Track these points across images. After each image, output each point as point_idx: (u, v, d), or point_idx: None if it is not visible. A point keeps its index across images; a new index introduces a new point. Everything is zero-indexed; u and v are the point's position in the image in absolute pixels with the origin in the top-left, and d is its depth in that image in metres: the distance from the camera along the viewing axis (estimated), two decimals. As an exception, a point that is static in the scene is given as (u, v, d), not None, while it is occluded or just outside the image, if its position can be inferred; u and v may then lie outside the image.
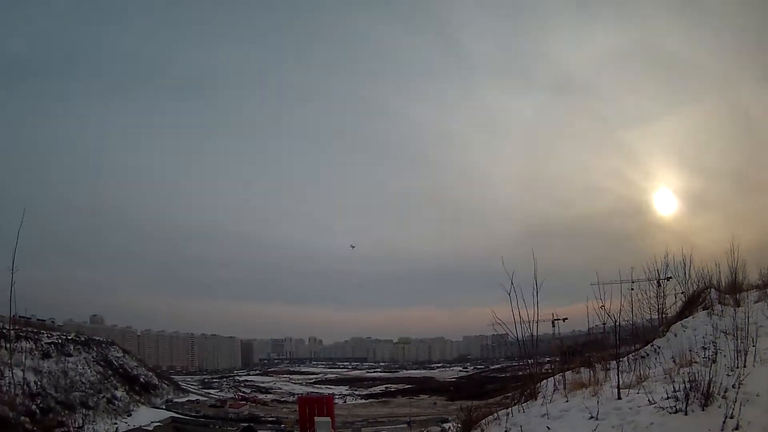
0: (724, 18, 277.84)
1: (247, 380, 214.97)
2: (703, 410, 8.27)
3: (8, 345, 68.97)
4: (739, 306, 15.18)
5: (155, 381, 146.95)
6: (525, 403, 12.88)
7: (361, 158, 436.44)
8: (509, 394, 16.22)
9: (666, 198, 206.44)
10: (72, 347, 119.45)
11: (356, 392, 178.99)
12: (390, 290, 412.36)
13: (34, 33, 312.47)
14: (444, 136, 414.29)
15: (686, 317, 16.25)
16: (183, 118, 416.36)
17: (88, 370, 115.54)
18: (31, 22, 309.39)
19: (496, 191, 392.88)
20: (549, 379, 14.26)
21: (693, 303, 17.45)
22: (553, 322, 45.18)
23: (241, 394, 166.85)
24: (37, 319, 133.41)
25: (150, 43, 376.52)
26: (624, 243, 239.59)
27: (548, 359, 17.49)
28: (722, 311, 15.18)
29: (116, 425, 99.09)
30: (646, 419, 8.55)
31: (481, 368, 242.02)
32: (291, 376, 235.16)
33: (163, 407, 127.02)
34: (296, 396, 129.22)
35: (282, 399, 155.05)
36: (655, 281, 17.97)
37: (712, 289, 17.39)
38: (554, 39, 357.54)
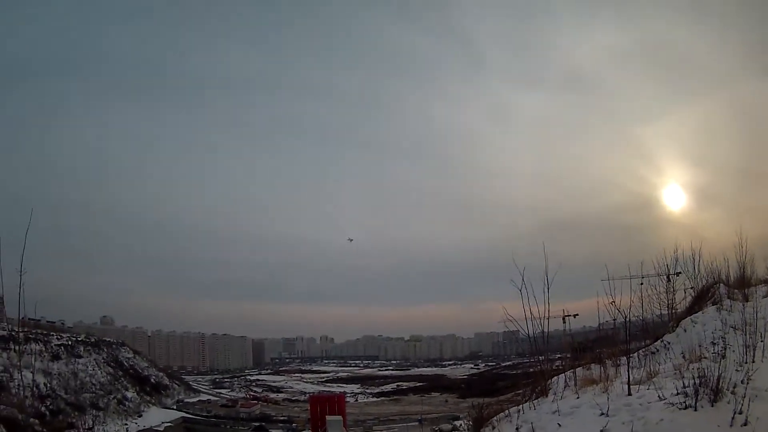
0: (726, 17, 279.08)
1: (258, 380, 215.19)
2: (712, 406, 8.30)
3: (17, 347, 69.22)
4: (747, 301, 15.13)
5: (166, 381, 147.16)
6: (536, 400, 12.95)
7: (372, 156, 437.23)
8: (520, 391, 16.20)
9: (674, 192, 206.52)
10: (82, 349, 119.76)
11: (368, 390, 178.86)
12: (401, 288, 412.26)
13: (34, 33, 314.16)
14: (455, 133, 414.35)
15: (695, 312, 16.24)
16: (193, 119, 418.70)
17: (99, 371, 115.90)
18: (31, 22, 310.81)
19: (508, 186, 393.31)
20: (560, 375, 14.30)
21: (702, 298, 17.43)
22: (563, 319, 45.08)
23: (252, 393, 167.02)
24: (47, 321, 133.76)
25: (161, 43, 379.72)
26: (634, 237, 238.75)
27: (559, 356, 17.54)
28: (731, 306, 15.14)
29: (126, 426, 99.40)
30: (656, 415, 8.58)
31: (492, 365, 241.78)
32: (302, 375, 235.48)
33: (174, 407, 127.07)
34: (308, 395, 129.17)
35: (293, 398, 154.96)
36: (665, 276, 17.98)
37: (721, 284, 17.37)
38: (563, 37, 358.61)
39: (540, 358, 15.24)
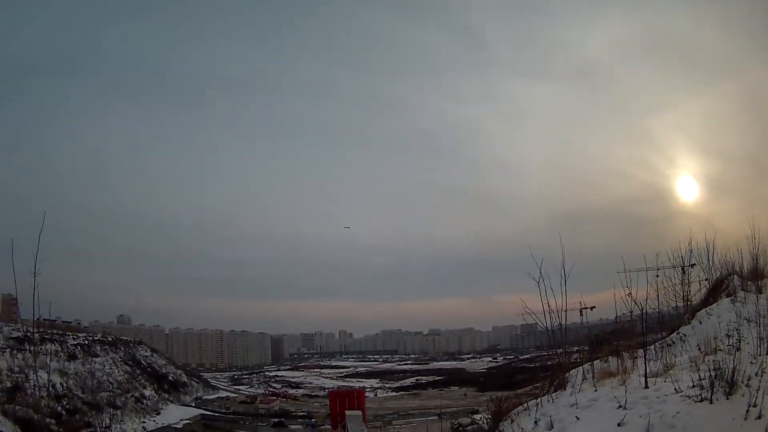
0: (732, 6, 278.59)
1: (277, 375, 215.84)
2: (727, 399, 8.37)
3: (32, 348, 69.91)
4: (761, 293, 15.16)
5: (184, 379, 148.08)
6: (554, 393, 12.99)
7: (386, 152, 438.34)
8: (539, 385, 16.29)
9: (686, 183, 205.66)
10: (99, 348, 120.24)
11: (387, 385, 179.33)
12: (419, 282, 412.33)
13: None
14: (467, 128, 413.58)
15: (710, 304, 16.20)
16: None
17: (116, 370, 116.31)
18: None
19: (522, 179, 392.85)
20: (578, 368, 14.35)
21: (717, 290, 17.37)
22: (581, 311, 45.05)
23: (271, 389, 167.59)
24: (63, 322, 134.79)
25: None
26: (647, 228, 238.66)
27: (576, 349, 17.63)
28: (745, 298, 15.17)
29: (144, 424, 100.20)
30: (673, 408, 8.64)
31: (510, 358, 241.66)
32: (321, 371, 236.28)
33: (193, 405, 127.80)
34: (327, 390, 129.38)
35: (313, 393, 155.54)
36: (680, 268, 18.00)
37: (735, 276, 17.36)
38: (571, 30, 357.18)
39: (558, 351, 15.33)
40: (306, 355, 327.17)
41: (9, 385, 74.96)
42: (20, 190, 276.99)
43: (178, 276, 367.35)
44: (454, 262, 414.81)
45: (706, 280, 18.40)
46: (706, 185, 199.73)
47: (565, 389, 12.96)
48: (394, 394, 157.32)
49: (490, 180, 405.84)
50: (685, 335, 15.16)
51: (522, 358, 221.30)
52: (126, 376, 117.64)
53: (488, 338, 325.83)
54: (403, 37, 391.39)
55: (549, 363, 16.37)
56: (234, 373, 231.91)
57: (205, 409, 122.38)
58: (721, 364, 8.75)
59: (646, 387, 10.28)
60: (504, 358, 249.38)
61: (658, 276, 17.69)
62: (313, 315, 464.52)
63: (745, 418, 7.81)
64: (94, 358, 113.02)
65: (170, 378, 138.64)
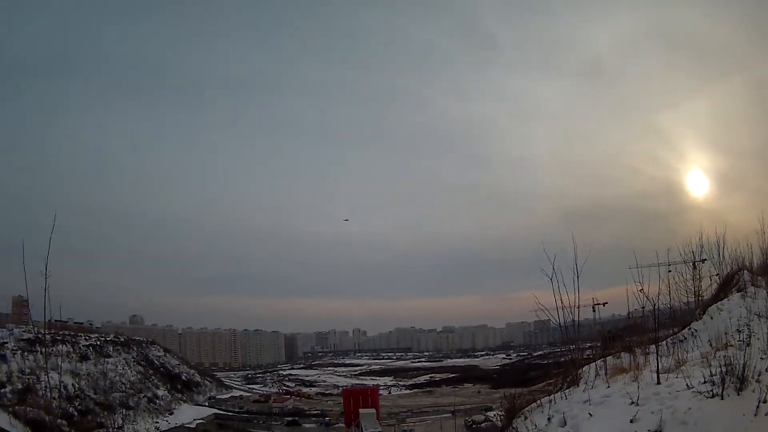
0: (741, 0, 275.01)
1: (291, 374, 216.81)
2: (738, 394, 8.40)
3: (43, 349, 70.28)
4: (771, 288, 15.18)
5: (197, 378, 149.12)
6: (567, 390, 13.01)
7: (396, 150, 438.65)
8: (552, 381, 16.33)
9: (696, 178, 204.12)
10: (111, 348, 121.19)
11: (400, 383, 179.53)
12: (431, 280, 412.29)
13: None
14: (476, 125, 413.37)
15: (721, 300, 16.18)
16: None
17: (129, 371, 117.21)
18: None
19: (532, 175, 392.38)
20: (590, 364, 14.38)
21: (727, 285, 17.29)
22: (593, 307, 44.93)
23: (285, 388, 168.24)
24: (75, 323, 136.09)
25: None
26: (658, 223, 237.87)
27: (589, 345, 17.65)
28: (755, 293, 15.16)
29: (157, 424, 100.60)
30: (684, 404, 8.68)
31: (524, 355, 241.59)
32: (335, 369, 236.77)
33: (206, 404, 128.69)
34: (341, 388, 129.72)
35: (326, 392, 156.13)
36: (691, 263, 17.98)
37: (745, 271, 17.31)
38: (579, 25, 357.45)
39: (571, 347, 15.34)
40: (320, 354, 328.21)
41: (20, 386, 75.92)
42: (20, 190, 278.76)
43: (192, 276, 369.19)
44: (467, 259, 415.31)
45: (716, 275, 18.38)
46: (716, 180, 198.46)
47: (578, 386, 12.99)
48: (407, 391, 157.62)
49: (501, 177, 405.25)
50: (696, 331, 15.15)
51: (535, 354, 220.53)
52: (139, 376, 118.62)
53: (501, 335, 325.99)
54: (403, 36, 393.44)
55: (562, 359, 16.36)
56: (248, 372, 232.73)
57: (218, 409, 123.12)
58: (731, 360, 8.78)
59: (658, 383, 10.30)
60: (517, 355, 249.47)
61: (670, 271, 17.70)
62: (325, 313, 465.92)
63: (756, 414, 7.84)
64: (106, 359, 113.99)
65: (183, 378, 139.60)
